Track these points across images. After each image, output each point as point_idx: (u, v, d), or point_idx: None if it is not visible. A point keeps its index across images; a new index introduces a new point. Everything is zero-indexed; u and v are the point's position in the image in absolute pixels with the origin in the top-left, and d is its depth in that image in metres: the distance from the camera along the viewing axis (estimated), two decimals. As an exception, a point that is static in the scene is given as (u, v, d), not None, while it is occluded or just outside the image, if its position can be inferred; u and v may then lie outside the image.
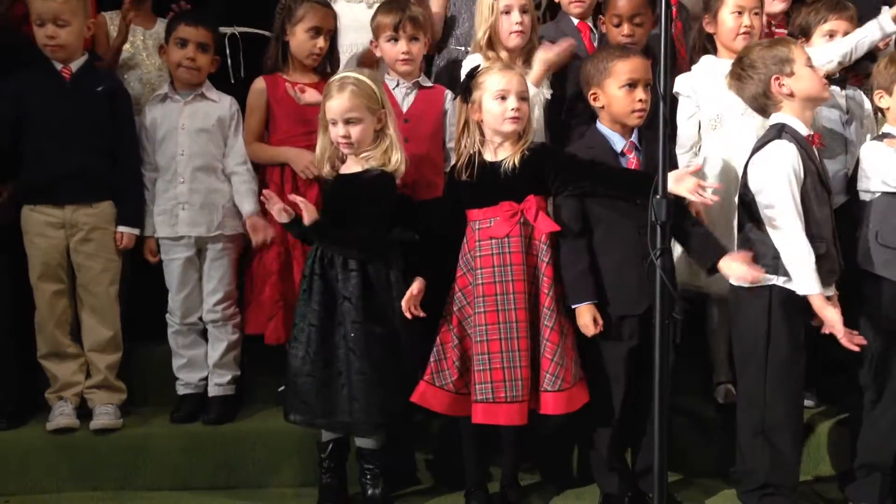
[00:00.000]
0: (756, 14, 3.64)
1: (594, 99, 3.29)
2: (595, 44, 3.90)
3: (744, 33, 3.60)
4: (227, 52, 3.93)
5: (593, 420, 3.33)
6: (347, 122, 3.26)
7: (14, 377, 3.70)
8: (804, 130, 3.13)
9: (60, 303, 3.62)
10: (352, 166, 3.34)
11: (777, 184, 3.04)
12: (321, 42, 3.70)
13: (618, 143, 3.25)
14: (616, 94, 3.23)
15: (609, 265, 3.21)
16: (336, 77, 3.33)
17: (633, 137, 3.26)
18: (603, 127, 3.29)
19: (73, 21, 3.55)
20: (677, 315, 2.86)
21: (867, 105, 3.77)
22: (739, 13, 3.62)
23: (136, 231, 3.66)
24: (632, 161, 3.25)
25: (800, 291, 3.04)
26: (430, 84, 3.74)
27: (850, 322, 3.09)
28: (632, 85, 3.21)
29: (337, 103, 3.26)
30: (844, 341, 3.02)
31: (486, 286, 3.18)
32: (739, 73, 3.23)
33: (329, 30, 3.72)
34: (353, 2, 3.99)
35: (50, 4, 3.50)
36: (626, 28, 3.74)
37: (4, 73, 3.57)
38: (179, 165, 3.65)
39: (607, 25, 3.82)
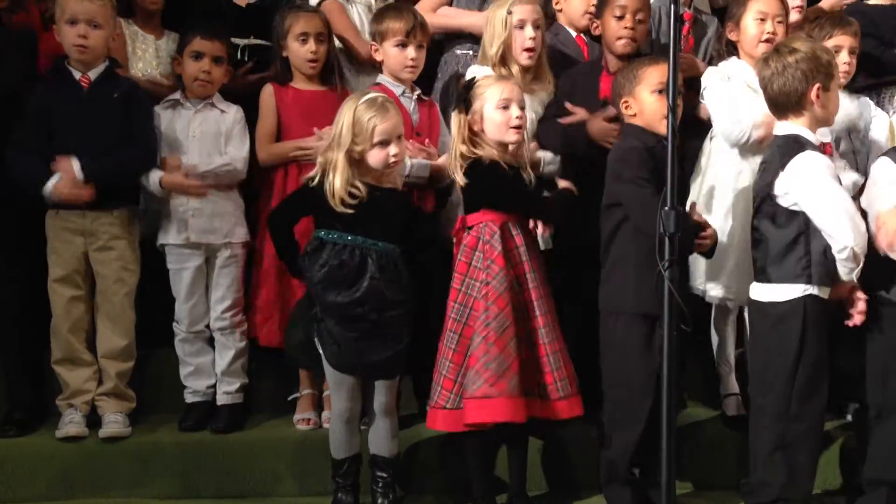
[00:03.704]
0: (780, 22, 3.64)
1: (626, 107, 3.31)
2: (594, 56, 3.92)
3: (766, 41, 3.59)
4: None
5: (617, 435, 3.29)
6: (399, 139, 3.24)
7: (26, 385, 3.71)
8: (815, 141, 3.15)
9: (76, 309, 3.63)
10: (380, 184, 3.27)
11: (826, 190, 3.03)
12: (312, 47, 3.70)
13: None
14: (647, 99, 3.25)
15: (631, 269, 3.20)
16: (367, 98, 3.24)
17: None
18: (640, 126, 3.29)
19: (104, 26, 3.59)
20: (686, 327, 2.85)
21: (875, 111, 3.79)
22: (762, 20, 3.62)
23: (78, 174, 3.51)
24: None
25: (847, 278, 3.04)
26: (426, 97, 3.76)
27: (856, 334, 3.13)
28: (662, 91, 3.20)
29: (391, 123, 3.20)
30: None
31: (534, 290, 3.27)
32: (777, 59, 3.14)
33: (319, 34, 3.71)
34: (361, 4, 4.02)
35: (87, 5, 3.53)
36: (628, 20, 3.67)
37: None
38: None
39: (606, 20, 3.70)
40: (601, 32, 3.75)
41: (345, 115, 3.22)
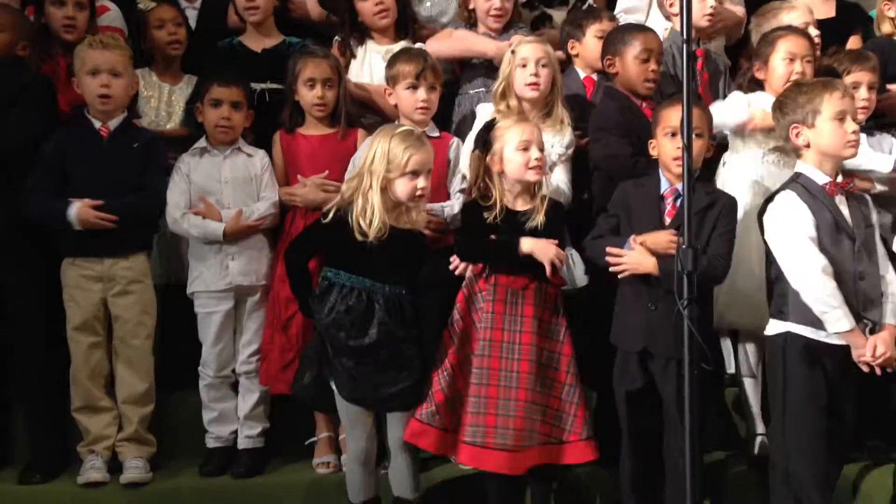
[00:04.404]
0: (808, 62, 3.65)
1: (652, 148, 3.38)
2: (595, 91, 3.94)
3: (795, 80, 3.57)
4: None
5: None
6: (428, 173, 3.26)
7: (48, 431, 3.72)
8: (822, 179, 3.15)
9: (95, 355, 3.65)
10: (398, 223, 3.28)
11: (784, 232, 3.11)
12: (319, 92, 3.73)
13: (663, 184, 3.32)
14: (661, 141, 3.31)
15: (618, 299, 3.33)
16: (404, 129, 3.30)
17: (680, 186, 3.24)
18: (660, 170, 3.36)
19: (124, 74, 3.65)
20: (707, 366, 2.83)
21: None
22: (791, 60, 3.63)
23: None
24: (669, 205, 3.31)
25: (830, 330, 3.05)
26: (437, 133, 3.77)
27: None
28: (674, 134, 3.26)
29: (425, 156, 3.23)
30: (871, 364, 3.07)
31: (494, 331, 3.26)
32: (774, 114, 3.28)
33: (327, 79, 3.74)
34: (373, 52, 4.07)
35: (108, 55, 3.60)
36: (653, 63, 3.71)
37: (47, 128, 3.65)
38: (227, 215, 3.68)
39: (627, 61, 3.70)
40: (617, 70, 3.76)
41: (378, 145, 3.24)
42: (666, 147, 3.29)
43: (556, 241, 3.29)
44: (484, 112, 3.75)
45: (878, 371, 3.10)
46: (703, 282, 3.17)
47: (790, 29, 3.79)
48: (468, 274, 3.35)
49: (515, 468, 3.23)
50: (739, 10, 4.34)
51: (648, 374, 3.29)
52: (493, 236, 3.30)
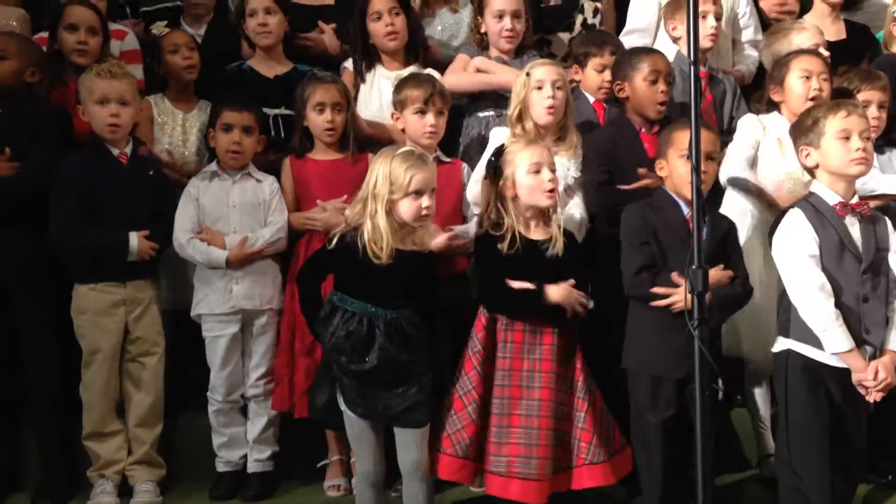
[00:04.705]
0: (825, 79, 3.64)
1: (660, 169, 3.37)
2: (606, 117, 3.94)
3: (813, 98, 3.58)
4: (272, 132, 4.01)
5: (637, 495, 3.31)
6: (432, 192, 3.24)
7: (59, 456, 3.73)
8: (833, 199, 3.14)
9: (113, 380, 3.68)
10: (403, 245, 3.24)
11: (786, 249, 3.12)
12: (328, 116, 3.75)
13: (684, 209, 3.28)
14: (676, 163, 3.28)
15: (652, 325, 3.24)
16: (404, 150, 3.26)
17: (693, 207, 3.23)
18: (670, 191, 3.33)
19: (132, 103, 3.68)
20: (717, 386, 2.82)
21: None
22: (807, 77, 3.63)
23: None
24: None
25: (828, 350, 3.05)
26: (447, 159, 3.78)
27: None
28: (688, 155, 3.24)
29: (428, 175, 3.21)
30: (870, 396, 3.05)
31: (514, 360, 3.25)
32: (790, 135, 3.31)
33: (336, 104, 3.76)
34: (382, 77, 4.08)
35: (116, 84, 3.63)
36: (662, 84, 3.70)
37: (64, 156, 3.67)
38: (231, 241, 3.69)
39: (636, 84, 3.69)
40: (628, 95, 3.75)
41: (380, 167, 3.21)
42: (680, 169, 3.25)
43: (573, 282, 3.27)
44: (498, 137, 3.71)
45: (876, 397, 3.07)
46: (741, 305, 3.26)
47: (802, 50, 3.80)
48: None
49: (540, 497, 3.20)
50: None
51: (682, 400, 3.23)
52: (512, 278, 3.25)
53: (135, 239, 3.57)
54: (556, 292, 3.24)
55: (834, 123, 3.14)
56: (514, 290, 3.24)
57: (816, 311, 3.05)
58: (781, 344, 3.18)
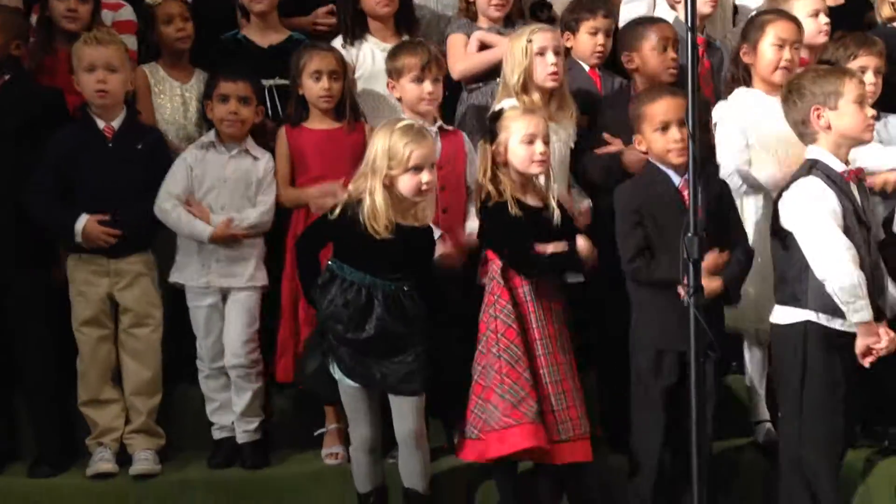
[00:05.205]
0: (796, 48, 3.63)
1: (638, 143, 3.35)
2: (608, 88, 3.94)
3: (783, 67, 3.58)
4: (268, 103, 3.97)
5: (635, 464, 3.32)
6: (432, 167, 3.22)
7: (56, 425, 3.74)
8: (839, 167, 3.11)
9: (104, 349, 3.68)
10: (404, 219, 3.24)
11: (813, 219, 3.03)
12: (325, 84, 3.71)
13: (674, 178, 3.27)
14: (652, 136, 3.27)
15: (656, 299, 3.24)
16: (403, 124, 3.24)
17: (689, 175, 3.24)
18: (658, 164, 3.31)
19: (121, 69, 3.65)
20: (712, 353, 2.82)
21: None
22: (780, 46, 3.60)
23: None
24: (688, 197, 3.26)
25: (853, 320, 3.00)
26: (449, 127, 3.76)
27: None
28: (664, 128, 3.24)
29: (427, 150, 3.19)
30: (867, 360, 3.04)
31: (548, 327, 3.29)
32: (787, 96, 3.23)
33: (332, 71, 3.73)
34: (378, 50, 4.04)
35: (103, 50, 3.60)
36: (671, 51, 3.71)
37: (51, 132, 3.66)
38: (217, 218, 3.67)
39: (645, 53, 3.73)
40: (637, 66, 3.75)
41: (379, 141, 3.19)
42: (658, 142, 3.24)
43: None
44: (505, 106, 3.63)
45: (869, 362, 3.06)
46: (747, 272, 3.26)
47: (779, 13, 3.76)
48: (497, 277, 3.30)
49: (541, 439, 3.21)
50: None
51: (683, 369, 3.21)
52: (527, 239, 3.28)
53: (81, 223, 3.54)
54: (584, 248, 3.28)
55: (853, 87, 3.11)
56: (546, 256, 3.26)
57: (847, 283, 2.96)
58: (792, 315, 3.11)
